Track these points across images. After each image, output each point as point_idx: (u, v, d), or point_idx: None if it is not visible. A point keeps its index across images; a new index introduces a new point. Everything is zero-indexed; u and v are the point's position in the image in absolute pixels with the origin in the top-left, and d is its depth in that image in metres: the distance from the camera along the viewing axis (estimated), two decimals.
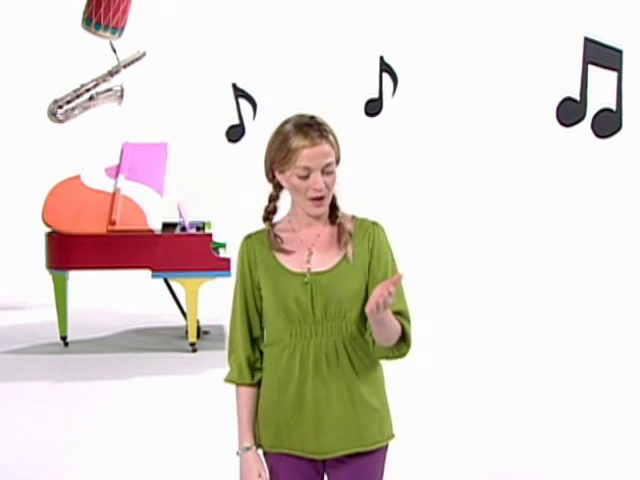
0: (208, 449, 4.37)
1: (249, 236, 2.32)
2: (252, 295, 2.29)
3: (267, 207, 2.29)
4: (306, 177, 2.16)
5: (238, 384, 2.31)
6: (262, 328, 2.33)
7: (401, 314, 2.22)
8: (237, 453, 2.29)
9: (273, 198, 2.28)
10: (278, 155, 2.19)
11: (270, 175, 2.26)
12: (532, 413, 4.90)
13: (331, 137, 2.19)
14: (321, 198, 2.19)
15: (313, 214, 2.23)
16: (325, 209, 2.24)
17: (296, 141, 2.15)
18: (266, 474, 2.26)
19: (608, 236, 8.09)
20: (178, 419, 4.87)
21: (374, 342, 2.21)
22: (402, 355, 2.23)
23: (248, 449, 2.26)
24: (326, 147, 2.17)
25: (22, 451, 4.39)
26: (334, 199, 2.27)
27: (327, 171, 2.18)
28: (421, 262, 7.70)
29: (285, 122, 2.22)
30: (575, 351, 6.13)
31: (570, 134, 7.88)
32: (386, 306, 2.03)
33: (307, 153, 2.15)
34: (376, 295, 2.01)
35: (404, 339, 2.20)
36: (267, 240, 2.27)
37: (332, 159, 2.19)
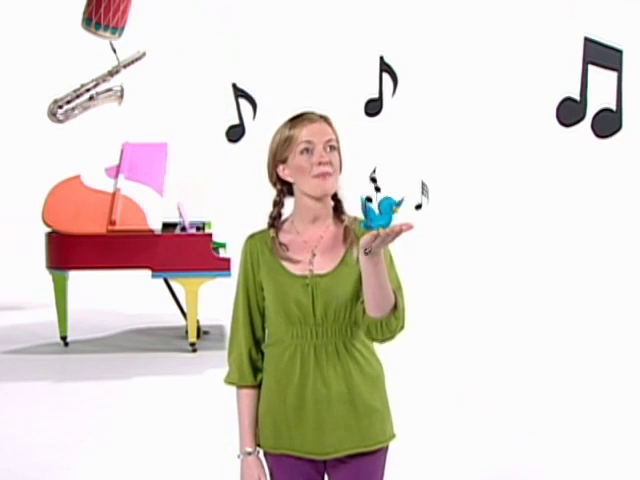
0: (208, 449, 4.37)
1: (252, 236, 2.31)
2: (255, 295, 2.29)
3: (271, 213, 2.29)
4: (309, 151, 2.18)
5: (239, 386, 2.31)
6: (264, 329, 2.32)
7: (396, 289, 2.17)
8: (238, 456, 2.29)
9: (277, 203, 2.28)
10: (279, 145, 2.21)
11: (274, 176, 2.26)
12: (532, 412, 4.91)
13: (330, 120, 2.23)
14: (327, 173, 2.18)
15: (320, 193, 2.20)
16: (332, 187, 2.21)
17: (295, 125, 2.20)
18: (267, 479, 2.26)
19: (608, 236, 8.10)
20: (178, 419, 4.87)
21: (364, 312, 2.14)
22: (392, 332, 2.13)
23: (250, 454, 2.26)
24: (325, 125, 2.21)
25: (22, 451, 4.39)
26: (339, 202, 2.27)
27: (330, 146, 2.20)
28: (421, 262, 7.70)
29: (282, 123, 2.27)
30: (575, 349, 6.13)
31: (570, 134, 7.88)
32: (385, 241, 1.95)
33: (307, 130, 2.18)
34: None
35: (395, 314, 2.12)
36: (270, 242, 2.26)
37: (334, 137, 2.21)
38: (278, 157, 2.22)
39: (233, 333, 2.33)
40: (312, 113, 2.24)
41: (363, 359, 2.25)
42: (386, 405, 2.31)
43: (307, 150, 2.18)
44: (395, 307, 2.12)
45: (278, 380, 2.24)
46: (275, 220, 2.28)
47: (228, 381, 2.32)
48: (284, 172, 2.23)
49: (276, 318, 2.25)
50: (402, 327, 2.15)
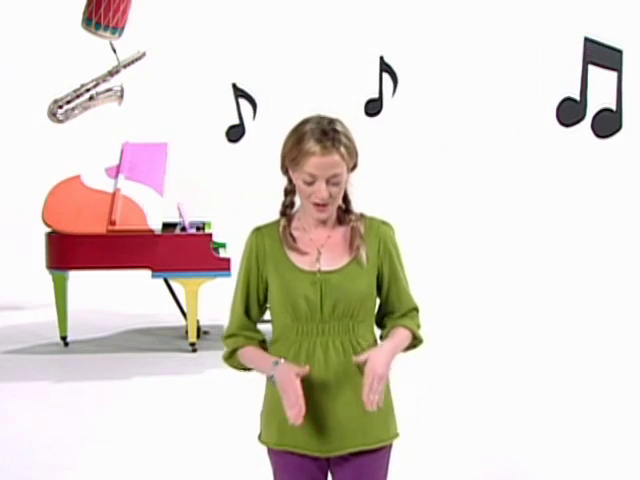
0: (208, 449, 4.37)
1: (259, 229, 2.30)
2: (256, 289, 2.29)
3: (284, 201, 2.28)
4: (311, 183, 2.16)
5: (237, 348, 2.30)
6: (259, 315, 2.33)
7: (414, 310, 2.33)
8: (269, 379, 2.22)
9: (289, 191, 2.27)
10: (290, 154, 2.18)
11: (284, 168, 2.25)
12: (536, 412, 4.90)
13: (343, 149, 2.15)
14: (324, 205, 2.18)
15: (315, 218, 2.23)
16: (328, 215, 2.23)
17: (307, 146, 2.13)
18: (304, 369, 2.16)
19: (608, 236, 8.09)
20: (178, 419, 4.87)
21: (385, 325, 2.35)
22: (415, 347, 2.36)
23: (277, 363, 2.19)
24: (335, 158, 2.14)
25: (22, 451, 4.39)
26: (348, 203, 2.27)
27: (333, 182, 2.16)
28: (421, 262, 7.69)
29: (305, 121, 2.20)
30: (576, 349, 6.14)
31: (570, 134, 7.89)
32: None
33: (314, 161, 2.13)
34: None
35: (415, 341, 2.32)
36: (278, 234, 2.26)
37: (340, 170, 2.16)
38: (287, 162, 2.21)
39: (231, 318, 2.33)
40: (329, 138, 2.14)
41: None
42: (390, 404, 2.32)
43: (309, 183, 2.16)
44: (414, 336, 2.31)
45: None
46: (287, 208, 2.28)
47: (225, 357, 2.32)
48: (291, 173, 2.22)
49: (282, 314, 2.24)
50: (421, 342, 2.36)
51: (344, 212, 2.27)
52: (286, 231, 2.25)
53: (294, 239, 2.25)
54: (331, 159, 2.14)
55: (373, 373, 2.11)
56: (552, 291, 7.52)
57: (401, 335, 2.27)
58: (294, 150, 2.16)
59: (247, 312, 2.31)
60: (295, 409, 2.10)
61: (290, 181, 2.25)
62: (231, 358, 2.33)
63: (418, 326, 2.32)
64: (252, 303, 2.30)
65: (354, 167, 2.23)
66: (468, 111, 8.96)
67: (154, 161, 6.65)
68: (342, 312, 2.21)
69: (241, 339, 2.30)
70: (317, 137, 2.14)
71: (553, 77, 7.94)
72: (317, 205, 2.18)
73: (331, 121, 2.18)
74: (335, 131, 2.15)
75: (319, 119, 2.19)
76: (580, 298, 7.24)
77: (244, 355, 2.30)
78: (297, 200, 2.27)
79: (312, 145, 2.13)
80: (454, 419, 4.80)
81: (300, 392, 2.10)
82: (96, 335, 6.76)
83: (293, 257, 2.24)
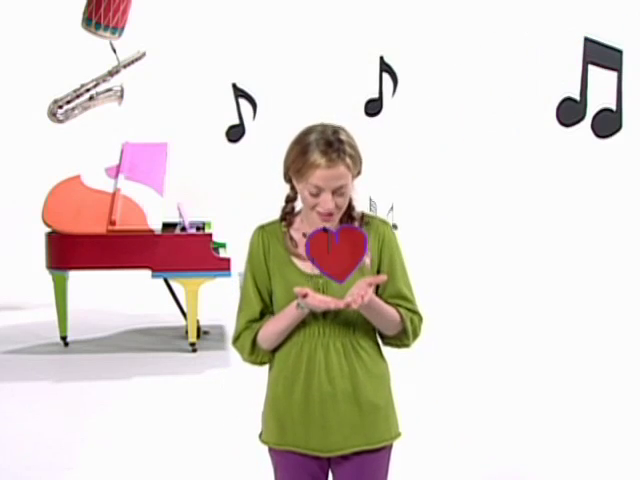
0: (208, 449, 4.37)
1: (262, 227, 2.30)
2: (266, 286, 2.28)
3: (284, 208, 2.27)
4: (316, 195, 2.14)
5: (256, 334, 2.26)
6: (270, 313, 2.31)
7: (413, 312, 2.28)
8: (298, 306, 2.17)
9: (290, 199, 2.26)
10: (294, 165, 2.16)
11: (287, 177, 2.24)
12: (537, 411, 4.91)
13: (348, 159, 2.13)
14: (329, 214, 2.17)
15: (321, 225, 2.22)
16: (334, 223, 2.22)
17: (312, 158, 2.11)
18: (304, 290, 2.12)
19: (608, 236, 8.09)
20: (178, 419, 4.87)
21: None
22: (405, 345, 2.30)
23: (298, 304, 2.17)
24: (341, 169, 2.12)
25: (22, 451, 4.39)
26: (352, 209, 2.26)
27: (339, 192, 2.15)
28: (421, 262, 7.69)
29: (308, 131, 2.17)
30: (576, 350, 6.14)
31: (570, 134, 7.88)
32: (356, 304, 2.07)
33: (320, 174, 2.11)
34: (355, 293, 2.07)
35: (405, 336, 2.27)
36: (281, 235, 2.26)
37: (346, 181, 2.14)
38: (291, 173, 2.19)
39: (239, 321, 2.30)
40: (334, 149, 2.11)
41: (369, 358, 2.26)
42: (390, 404, 2.32)
43: (314, 194, 2.14)
44: (404, 330, 2.26)
45: (285, 377, 2.25)
46: (288, 215, 2.27)
47: (247, 346, 2.26)
48: (295, 183, 2.21)
49: None
50: (410, 340, 2.29)
51: (347, 217, 2.26)
52: (286, 236, 2.25)
53: (296, 244, 2.25)
54: (337, 171, 2.12)
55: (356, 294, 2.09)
56: (552, 291, 7.52)
57: (391, 309, 2.23)
58: (299, 161, 2.13)
59: (262, 311, 2.29)
60: (334, 303, 2.10)
61: (292, 188, 2.24)
62: (254, 353, 2.29)
63: (413, 324, 2.26)
64: (266, 299, 2.29)
65: (358, 174, 2.21)
66: (468, 111, 8.96)
67: (154, 161, 6.65)
68: (344, 315, 2.21)
69: (255, 326, 2.27)
70: (322, 149, 2.11)
71: (553, 77, 7.93)
72: (323, 214, 2.18)
73: (335, 130, 2.16)
74: (340, 141, 2.13)
75: (323, 128, 2.16)
76: (580, 298, 7.24)
77: (264, 335, 2.26)
78: (298, 204, 2.26)
79: (317, 157, 2.10)
80: (454, 419, 4.80)
81: (323, 297, 2.12)
82: (96, 335, 6.76)
83: (295, 259, 2.24)
